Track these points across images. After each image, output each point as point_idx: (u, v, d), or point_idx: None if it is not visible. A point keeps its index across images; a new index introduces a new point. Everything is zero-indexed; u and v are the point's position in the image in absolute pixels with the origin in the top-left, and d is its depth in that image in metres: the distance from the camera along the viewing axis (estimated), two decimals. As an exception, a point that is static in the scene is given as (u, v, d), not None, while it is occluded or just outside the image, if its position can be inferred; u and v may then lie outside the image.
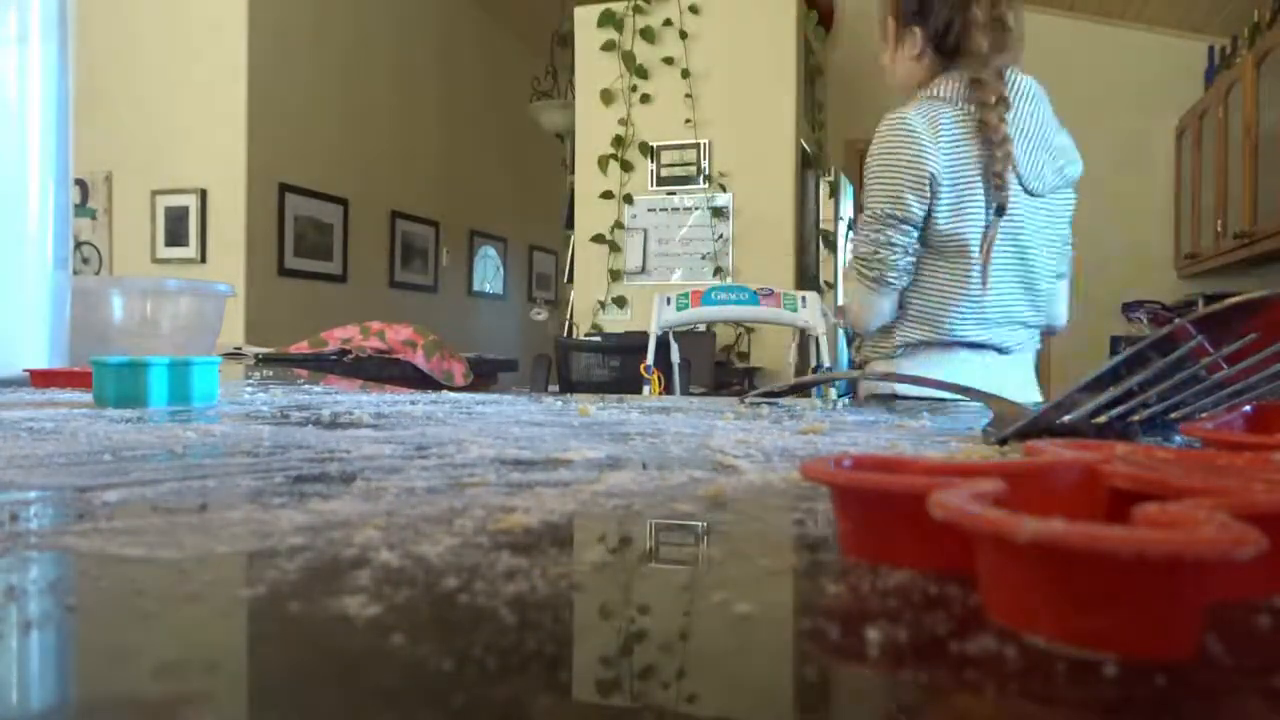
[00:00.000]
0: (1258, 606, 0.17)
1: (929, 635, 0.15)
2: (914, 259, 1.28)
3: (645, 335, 2.18)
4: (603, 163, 3.88)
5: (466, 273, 5.62)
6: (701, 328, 3.39)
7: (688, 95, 3.80)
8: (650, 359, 2.15)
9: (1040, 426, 0.40)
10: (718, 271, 3.78)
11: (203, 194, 3.91)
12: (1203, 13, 4.05)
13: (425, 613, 0.16)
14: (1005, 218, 1.24)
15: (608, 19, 3.86)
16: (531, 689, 0.13)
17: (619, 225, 3.88)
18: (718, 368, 3.48)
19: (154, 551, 0.20)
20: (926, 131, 1.23)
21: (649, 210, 3.87)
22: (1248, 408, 0.40)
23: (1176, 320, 0.35)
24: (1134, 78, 4.32)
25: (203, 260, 3.92)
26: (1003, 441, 0.41)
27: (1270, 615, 0.16)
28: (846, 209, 4.07)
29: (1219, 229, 3.63)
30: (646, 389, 2.15)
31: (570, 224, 4.09)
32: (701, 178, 3.80)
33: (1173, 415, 0.43)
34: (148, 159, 3.96)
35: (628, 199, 3.87)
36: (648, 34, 3.83)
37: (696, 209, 3.81)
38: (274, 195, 4.01)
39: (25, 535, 0.22)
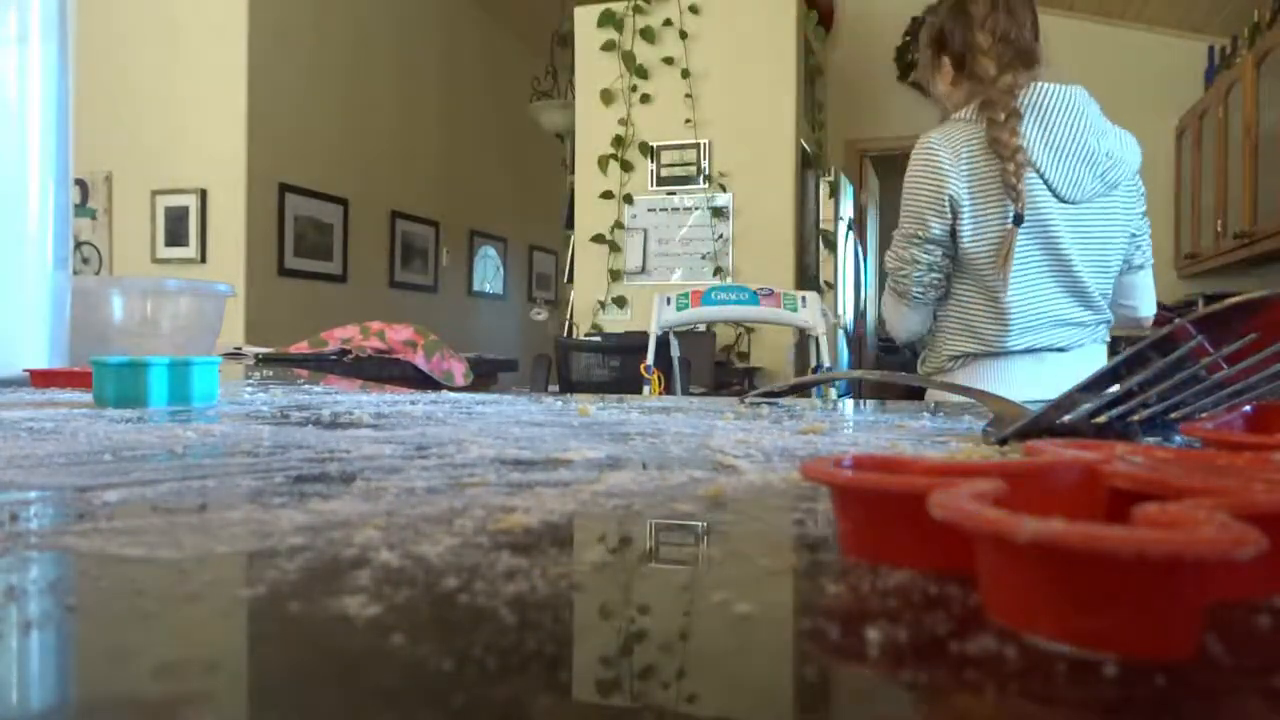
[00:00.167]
0: (1258, 606, 0.17)
1: (929, 635, 0.15)
2: (940, 275, 1.36)
3: (645, 335, 2.18)
4: (603, 163, 3.89)
5: (466, 273, 5.62)
6: (701, 328, 3.39)
7: (688, 95, 3.80)
8: (650, 359, 2.15)
9: (1040, 426, 0.40)
10: (718, 271, 3.78)
11: (203, 194, 3.91)
12: (1203, 13, 4.05)
13: (425, 613, 0.16)
14: (1039, 226, 1.29)
15: (608, 19, 3.86)
16: (531, 689, 0.13)
17: (619, 225, 3.88)
18: (718, 368, 3.48)
19: (154, 551, 0.20)
20: (947, 154, 1.31)
21: (649, 210, 3.87)
22: (1248, 408, 0.40)
23: (1176, 320, 0.35)
24: (1134, 78, 4.32)
25: (203, 260, 3.92)
26: (1003, 441, 0.41)
27: (1270, 615, 0.16)
28: (846, 209, 4.07)
29: (1219, 229, 3.63)
30: (646, 389, 2.15)
31: (570, 224, 4.10)
32: (701, 178, 3.80)
33: (1173, 415, 0.43)
34: (148, 159, 3.97)
35: (628, 199, 3.87)
36: (648, 34, 3.83)
37: (696, 209, 3.81)
38: (274, 195, 4.01)
39: (25, 535, 0.22)
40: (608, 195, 3.89)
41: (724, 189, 3.79)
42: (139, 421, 0.50)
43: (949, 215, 1.31)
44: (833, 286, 3.92)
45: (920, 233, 1.33)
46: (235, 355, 1.89)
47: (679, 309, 2.10)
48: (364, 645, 0.14)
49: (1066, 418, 0.40)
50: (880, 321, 1.75)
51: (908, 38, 4.61)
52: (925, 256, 1.34)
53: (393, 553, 0.20)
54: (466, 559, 0.19)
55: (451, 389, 1.64)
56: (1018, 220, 1.27)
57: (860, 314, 4.40)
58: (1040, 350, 1.34)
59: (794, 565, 0.21)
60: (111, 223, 4.08)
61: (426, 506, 0.25)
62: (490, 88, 5.66)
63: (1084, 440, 0.29)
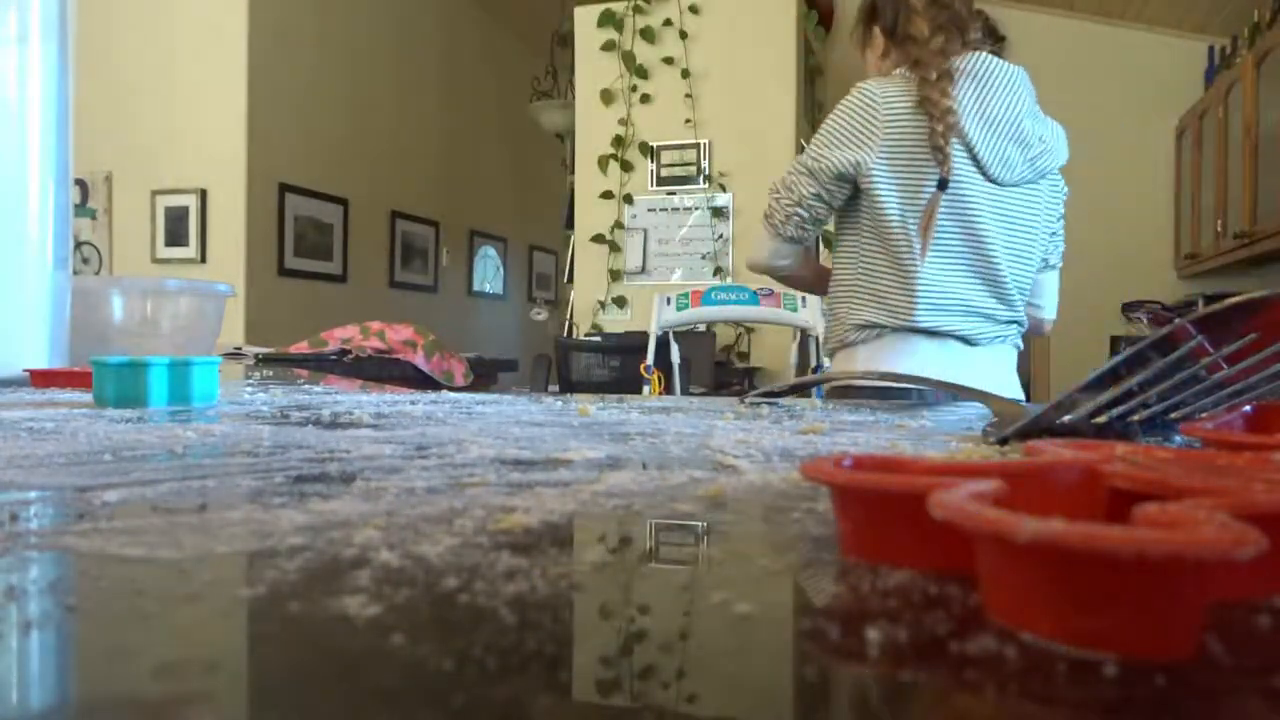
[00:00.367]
0: (1258, 606, 0.17)
1: (929, 635, 0.15)
2: (807, 216, 1.32)
3: (645, 335, 2.18)
4: (603, 163, 3.89)
5: (466, 273, 5.62)
6: (701, 328, 3.39)
7: (688, 95, 3.80)
8: (650, 359, 2.15)
9: (1040, 426, 0.40)
10: (718, 271, 3.78)
11: (203, 194, 3.91)
12: (1203, 13, 4.05)
13: (425, 613, 0.16)
14: (960, 203, 1.24)
15: (608, 19, 3.86)
16: (531, 689, 0.13)
17: (619, 225, 3.88)
18: (718, 368, 3.48)
19: (154, 551, 0.20)
20: (878, 102, 1.26)
21: (649, 210, 3.87)
22: (1248, 408, 0.40)
23: (1176, 320, 0.35)
24: (1134, 78, 4.31)
25: (203, 260, 3.92)
26: (1003, 441, 0.41)
27: (1270, 615, 0.16)
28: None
29: (1219, 229, 3.63)
30: (646, 389, 2.15)
31: (570, 224, 4.10)
32: (701, 178, 3.80)
33: (1173, 415, 0.43)
34: (148, 159, 3.97)
35: (628, 199, 3.87)
36: (648, 34, 3.83)
37: (696, 209, 3.81)
38: (274, 195, 4.01)
39: (25, 535, 0.22)
40: (608, 195, 3.89)
41: (724, 189, 3.79)
42: (139, 421, 0.50)
43: (848, 173, 1.26)
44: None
45: (811, 164, 1.29)
46: (235, 355, 1.89)
47: (679, 309, 2.10)
48: (364, 645, 0.14)
49: (1066, 418, 0.40)
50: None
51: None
52: (804, 189, 1.30)
53: (393, 553, 0.20)
54: (466, 559, 0.19)
55: (451, 389, 1.64)
56: (942, 185, 1.22)
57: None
58: (946, 335, 1.28)
59: (794, 565, 0.21)
60: (111, 223, 4.08)
61: (426, 506, 0.25)
62: (490, 88, 5.66)
63: (1084, 440, 0.29)
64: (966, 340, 1.29)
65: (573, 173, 4.08)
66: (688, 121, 3.80)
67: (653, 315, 2.13)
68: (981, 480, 0.18)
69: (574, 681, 0.14)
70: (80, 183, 4.03)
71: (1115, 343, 3.96)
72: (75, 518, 0.24)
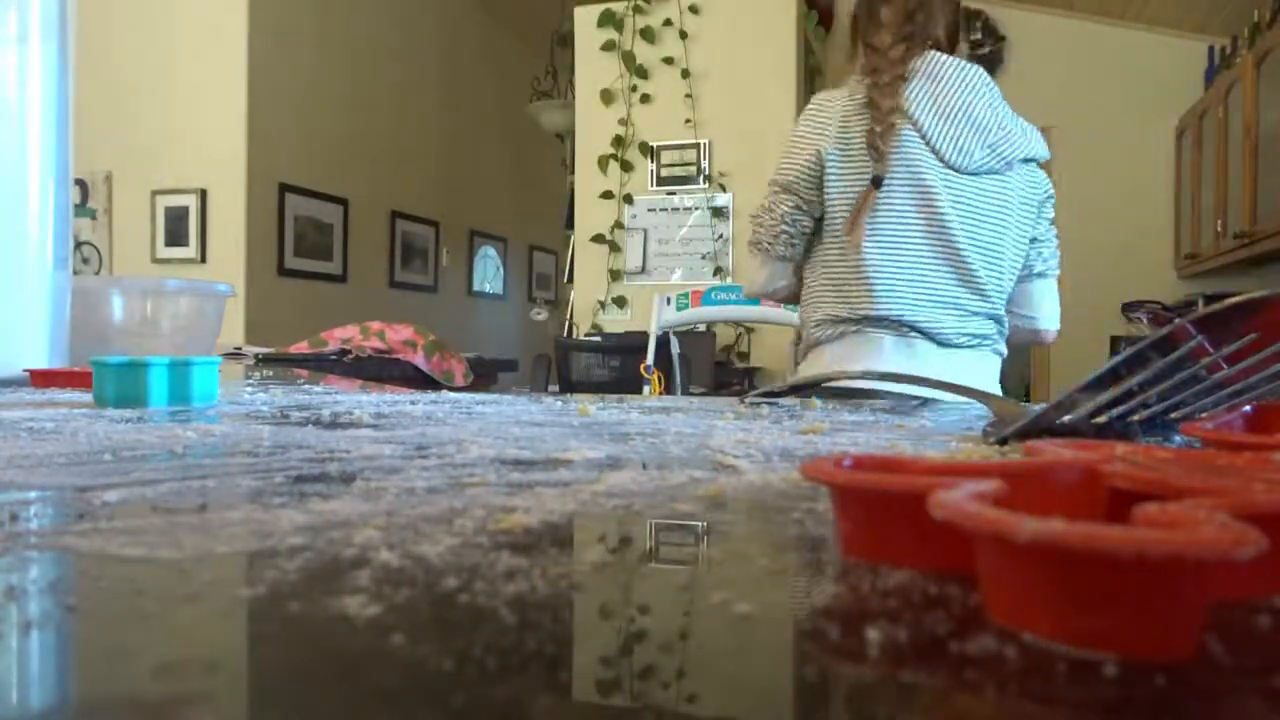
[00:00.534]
0: (1258, 606, 0.17)
1: (929, 635, 0.15)
2: (793, 230, 1.34)
3: (645, 335, 2.18)
4: (603, 163, 3.89)
5: (466, 273, 5.62)
6: (701, 328, 3.39)
7: (688, 95, 3.80)
8: (650, 359, 2.15)
9: (1040, 426, 0.40)
10: (718, 271, 3.78)
11: (203, 194, 3.91)
12: (1203, 13, 4.05)
13: (425, 613, 0.16)
14: (917, 187, 1.26)
15: (608, 19, 3.86)
16: (531, 689, 0.13)
17: (619, 225, 3.88)
18: (718, 368, 3.48)
19: (154, 551, 0.20)
20: (825, 109, 1.33)
21: (649, 210, 3.87)
22: (1248, 408, 0.40)
23: (1176, 320, 0.35)
24: (1134, 78, 4.31)
25: (203, 260, 3.92)
26: (1003, 441, 0.41)
27: (1270, 615, 0.16)
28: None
29: (1219, 229, 3.63)
30: (646, 389, 2.15)
31: (570, 224, 4.10)
32: (701, 178, 3.80)
33: (1173, 415, 0.43)
34: (148, 159, 3.97)
35: (628, 199, 3.87)
36: (648, 34, 3.83)
37: (696, 209, 3.81)
38: (274, 195, 4.01)
39: (25, 535, 0.22)
40: (608, 195, 3.89)
41: (724, 189, 3.79)
42: (139, 421, 0.50)
43: (814, 169, 1.30)
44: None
45: (780, 179, 1.33)
46: (235, 355, 1.89)
47: (679, 309, 2.10)
48: (364, 645, 0.14)
49: (1066, 418, 0.40)
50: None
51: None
52: (782, 207, 1.33)
53: (393, 553, 0.20)
54: (466, 559, 0.19)
55: (451, 389, 1.64)
56: (875, 182, 1.25)
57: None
58: (913, 332, 1.27)
59: (794, 565, 0.21)
60: (111, 223, 4.08)
61: (426, 506, 0.25)
62: (490, 88, 5.66)
63: (1084, 440, 0.29)
64: (936, 339, 1.27)
65: (573, 173, 4.08)
66: (688, 121, 3.80)
67: (653, 315, 2.13)
68: (981, 480, 0.18)
69: (574, 681, 0.14)
70: (80, 183, 4.03)
71: (1115, 343, 3.96)
72: (75, 518, 0.24)
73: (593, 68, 3.92)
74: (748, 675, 0.14)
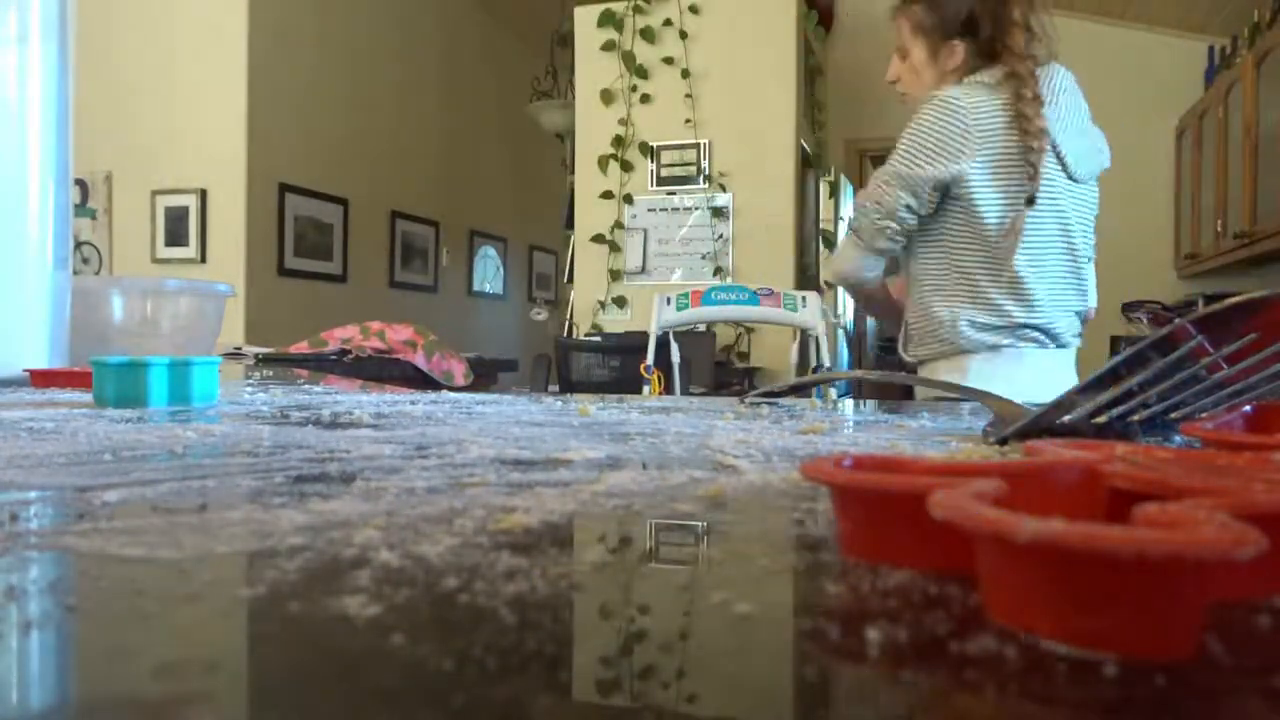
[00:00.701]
0: (1258, 606, 0.17)
1: (929, 635, 0.15)
2: (900, 227, 1.32)
3: (645, 335, 2.18)
4: (603, 163, 3.89)
5: (466, 273, 5.62)
6: (701, 328, 3.39)
7: (688, 95, 3.80)
8: (650, 359, 2.15)
9: (1040, 426, 0.40)
10: (718, 271, 3.78)
11: (203, 194, 3.91)
12: (1203, 13, 4.05)
13: (425, 613, 0.16)
14: (1052, 203, 1.29)
15: (608, 19, 3.86)
16: (531, 689, 0.13)
17: (619, 225, 3.88)
18: (718, 368, 3.48)
19: (154, 551, 0.20)
20: (964, 115, 1.27)
21: (649, 210, 3.87)
22: (1248, 408, 0.40)
23: (1176, 320, 0.35)
24: (1134, 78, 4.32)
25: (203, 260, 3.92)
26: (1003, 441, 0.41)
27: (1270, 615, 0.16)
28: (846, 209, 4.07)
29: (1219, 229, 3.63)
30: (646, 389, 2.15)
31: (570, 224, 4.10)
32: (701, 178, 3.80)
33: (1173, 415, 0.43)
34: (148, 159, 3.97)
35: (628, 199, 3.87)
36: (648, 34, 3.83)
37: (696, 209, 3.81)
38: (274, 195, 4.01)
39: (25, 535, 0.22)
40: (608, 195, 3.89)
41: (724, 189, 3.79)
42: (139, 421, 0.50)
43: (948, 177, 1.27)
44: (833, 286, 3.91)
45: (904, 173, 1.28)
46: (235, 355, 1.89)
47: (679, 309, 2.10)
48: (364, 645, 0.14)
49: (1066, 418, 0.40)
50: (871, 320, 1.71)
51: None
52: (894, 200, 1.29)
53: (393, 553, 0.20)
54: (466, 559, 0.19)
55: (451, 389, 1.64)
56: (1030, 201, 1.26)
57: (860, 314, 4.40)
58: (1047, 331, 1.31)
59: (794, 565, 0.21)
60: (111, 223, 4.08)
61: (426, 506, 0.25)
62: (490, 88, 5.66)
63: (1084, 440, 0.29)
64: (1059, 340, 1.32)
65: (573, 173, 4.08)
66: (688, 121, 3.80)
67: (653, 315, 2.13)
68: (981, 480, 0.18)
69: (574, 681, 0.14)
70: (80, 183, 4.03)
71: (1115, 343, 3.96)
72: (75, 518, 0.24)
73: (593, 68, 3.92)
74: (748, 675, 0.14)
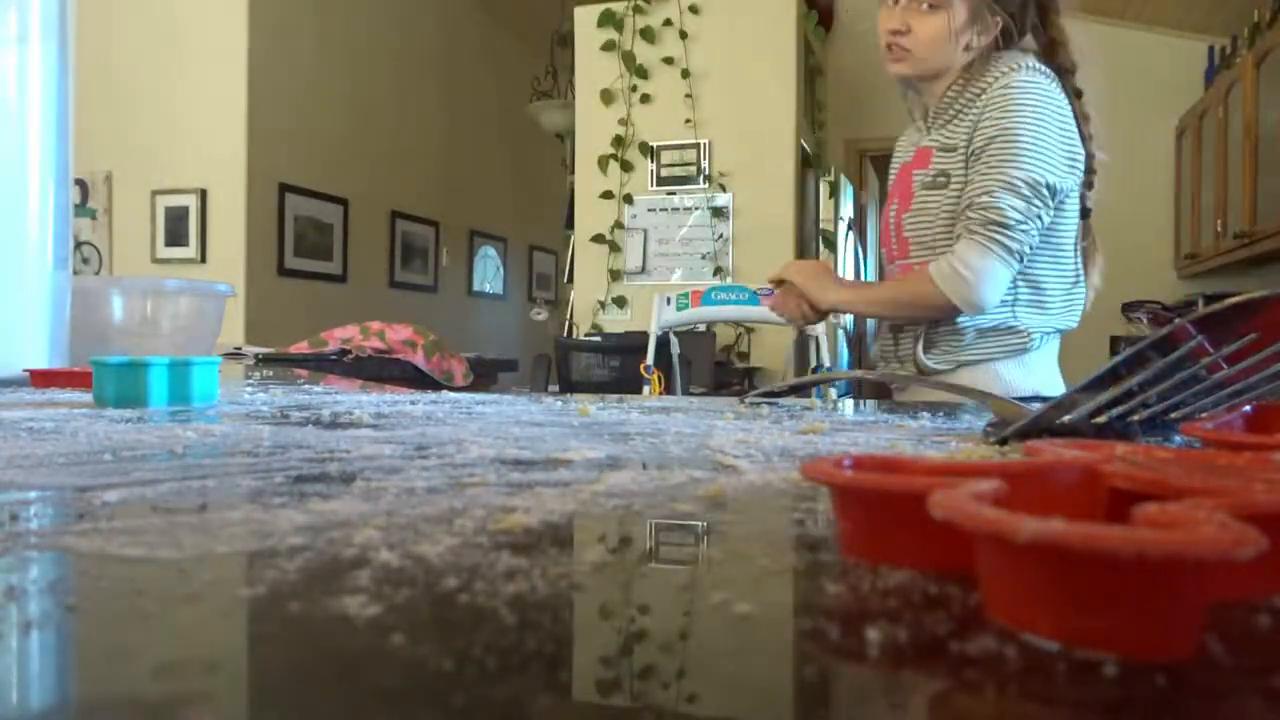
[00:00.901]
0: (1258, 606, 0.17)
1: (929, 635, 0.15)
2: (1037, 241, 1.19)
3: (645, 335, 2.18)
4: (603, 163, 3.89)
5: (466, 273, 5.62)
6: (701, 328, 3.39)
7: (688, 95, 3.80)
8: (650, 359, 2.15)
9: (1040, 426, 0.40)
10: (718, 271, 3.78)
11: (203, 194, 3.91)
12: (1203, 13, 4.05)
13: (425, 613, 0.16)
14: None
15: (608, 19, 3.86)
16: (531, 689, 0.13)
17: (619, 225, 3.88)
18: (718, 368, 3.48)
19: (154, 551, 0.20)
20: (1069, 116, 1.17)
21: (649, 210, 3.87)
22: (1248, 408, 0.40)
23: (1176, 320, 0.35)
24: (1134, 78, 4.31)
25: (203, 260, 3.92)
26: (1003, 441, 0.41)
27: (1270, 615, 0.16)
28: (846, 209, 4.07)
29: (1219, 229, 3.63)
30: (646, 389, 2.15)
31: (570, 224, 4.10)
32: (701, 178, 3.80)
33: (1173, 415, 0.43)
34: (148, 159, 3.96)
35: (628, 199, 3.87)
36: (648, 34, 3.83)
37: (696, 209, 3.81)
38: (274, 195, 4.01)
39: (25, 535, 0.22)
40: (608, 195, 3.89)
41: (724, 189, 3.79)
42: (139, 421, 0.50)
43: (1075, 176, 1.16)
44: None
45: (1053, 183, 1.13)
46: (235, 355, 1.89)
47: (679, 309, 2.10)
48: (364, 645, 0.14)
49: (1066, 418, 0.40)
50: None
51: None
52: (1046, 212, 1.14)
53: (393, 553, 0.20)
54: (466, 559, 0.19)
55: (451, 389, 1.64)
56: (1085, 214, 1.22)
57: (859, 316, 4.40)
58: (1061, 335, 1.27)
59: (794, 565, 0.21)
60: (111, 223, 4.08)
61: (426, 506, 0.25)
62: (490, 88, 5.66)
63: (1084, 440, 0.29)
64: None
65: (573, 173, 4.08)
66: (688, 121, 3.80)
67: (653, 315, 2.12)
68: (981, 480, 0.18)
69: (574, 681, 0.14)
70: (80, 183, 4.03)
71: (1115, 343, 3.96)
72: (75, 518, 0.24)
73: (593, 68, 3.92)
74: (748, 675, 0.14)
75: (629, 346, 2.72)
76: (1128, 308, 4.10)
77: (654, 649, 0.15)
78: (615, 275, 3.89)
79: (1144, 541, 0.13)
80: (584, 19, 3.94)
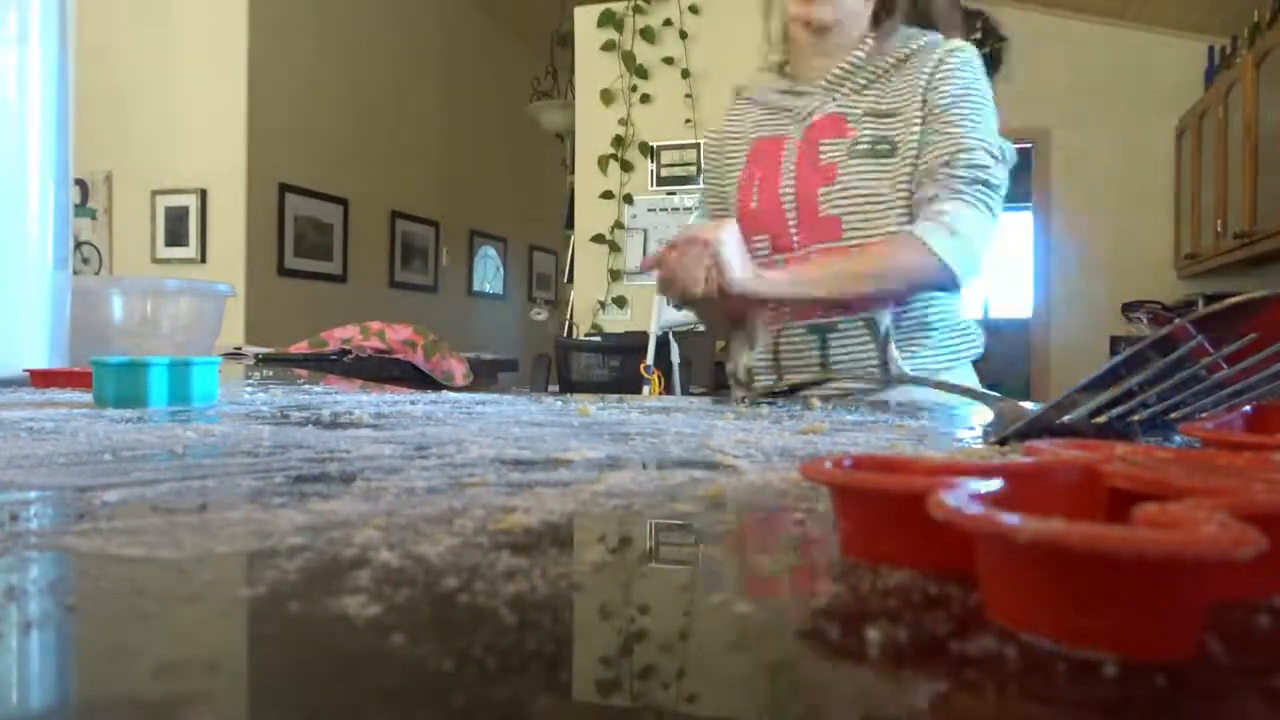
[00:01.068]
0: (1258, 606, 0.17)
1: (929, 635, 0.15)
2: None
3: (645, 335, 2.18)
4: (603, 163, 3.89)
5: (466, 273, 5.62)
6: (701, 328, 3.39)
7: (688, 95, 3.80)
8: (650, 359, 2.15)
9: (1040, 426, 0.40)
10: (718, 271, 3.78)
11: (203, 194, 3.91)
12: (1203, 13, 4.05)
13: (425, 613, 0.16)
14: None
15: (608, 19, 3.86)
16: (531, 689, 0.13)
17: (619, 225, 3.88)
18: (718, 368, 3.48)
19: (154, 551, 0.20)
20: None
21: (649, 210, 3.87)
22: (1248, 408, 0.40)
23: (1176, 320, 0.35)
24: (1134, 78, 4.31)
25: (203, 260, 3.92)
26: (1003, 441, 0.41)
27: (1270, 615, 0.16)
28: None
29: (1219, 229, 3.63)
30: (646, 389, 2.15)
31: (570, 224, 4.10)
32: (701, 178, 3.80)
33: (1173, 415, 0.43)
34: (148, 159, 3.96)
35: (628, 199, 3.87)
36: (648, 34, 3.83)
37: (696, 209, 3.81)
38: (274, 195, 4.01)
39: (25, 535, 0.22)
40: (608, 195, 3.89)
41: (724, 189, 3.79)
42: (139, 421, 0.50)
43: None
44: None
45: (1005, 147, 1.07)
46: (235, 355, 1.89)
47: (679, 309, 2.10)
48: (364, 645, 0.14)
49: (1066, 418, 0.40)
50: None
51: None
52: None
53: (393, 553, 0.20)
54: (466, 559, 0.19)
55: (451, 389, 1.64)
56: None
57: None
58: None
59: (794, 565, 0.21)
60: (111, 223, 4.08)
61: (426, 506, 0.25)
62: (490, 88, 5.65)
63: (1084, 440, 0.29)
64: None
65: (573, 173, 4.08)
66: (688, 121, 3.80)
67: (653, 315, 2.12)
68: (982, 480, 0.18)
69: (574, 681, 0.14)
70: (80, 183, 4.03)
71: (1115, 343, 3.96)
72: (75, 518, 0.24)
73: (593, 68, 3.92)
74: (748, 675, 0.14)
75: (629, 346, 2.72)
76: (1128, 308, 4.10)
77: (654, 649, 0.15)
78: (615, 275, 3.89)
79: (1144, 541, 0.13)
80: (584, 19, 3.94)
